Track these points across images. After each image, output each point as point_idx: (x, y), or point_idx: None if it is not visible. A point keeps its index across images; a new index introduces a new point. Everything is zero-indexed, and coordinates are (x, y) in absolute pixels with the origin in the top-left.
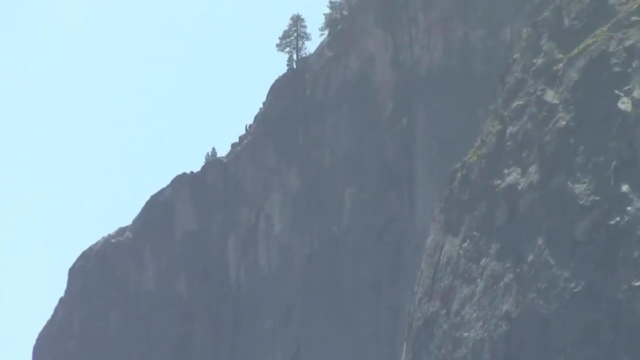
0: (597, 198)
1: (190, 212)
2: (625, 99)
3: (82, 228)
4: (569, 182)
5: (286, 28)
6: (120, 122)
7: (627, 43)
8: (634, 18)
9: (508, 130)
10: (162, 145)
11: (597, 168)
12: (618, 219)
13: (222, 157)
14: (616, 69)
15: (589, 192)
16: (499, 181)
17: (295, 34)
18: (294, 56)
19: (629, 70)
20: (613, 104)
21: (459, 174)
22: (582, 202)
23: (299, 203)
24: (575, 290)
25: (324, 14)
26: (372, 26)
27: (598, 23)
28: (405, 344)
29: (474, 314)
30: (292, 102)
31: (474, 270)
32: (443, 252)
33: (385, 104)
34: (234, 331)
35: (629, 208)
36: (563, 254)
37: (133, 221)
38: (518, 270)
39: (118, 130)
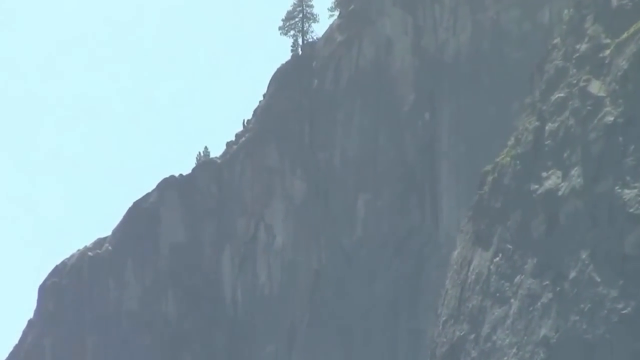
0: None
1: (178, 222)
2: None
3: (54, 239)
4: (617, 187)
5: (290, 8)
6: (98, 118)
7: None
8: None
9: (547, 127)
10: (147, 144)
11: None
12: None
13: (215, 157)
14: None
15: None
16: (536, 186)
17: (300, 15)
18: (299, 41)
19: None
20: None
21: (490, 178)
22: (632, 210)
23: (304, 211)
24: (624, 312)
25: None
26: (389, 5)
27: None
28: None
29: (507, 340)
30: (296, 94)
31: (507, 288)
32: (471, 267)
33: (404, 96)
34: (230, 358)
35: None
36: (610, 270)
37: (113, 231)
38: (558, 289)
39: (95, 128)
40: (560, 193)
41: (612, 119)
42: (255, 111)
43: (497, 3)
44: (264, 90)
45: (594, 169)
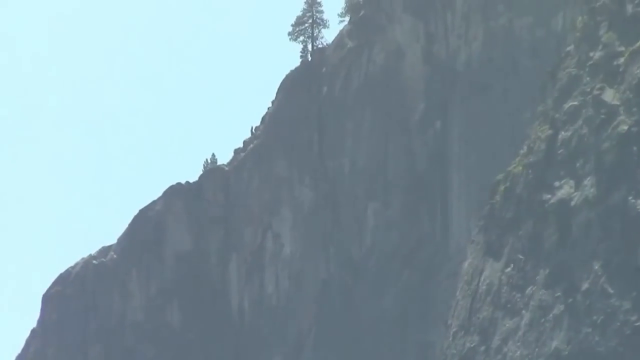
0: None
1: (184, 230)
2: None
3: (58, 247)
4: (630, 197)
5: (300, 13)
6: (103, 124)
7: None
8: None
9: (560, 136)
10: (153, 150)
11: None
12: None
13: (222, 165)
14: None
15: None
16: (549, 196)
17: (310, 21)
18: (309, 46)
19: None
20: None
21: (502, 187)
22: None
23: (312, 220)
24: (637, 324)
25: None
26: (400, 12)
27: None
28: None
29: (518, 352)
30: (305, 101)
31: (519, 300)
32: (482, 278)
33: (415, 104)
34: None
35: None
36: (623, 282)
37: (118, 240)
38: (570, 300)
39: (100, 133)
40: (572, 203)
41: (626, 127)
42: (263, 118)
43: (510, 10)
44: (273, 96)
45: (607, 178)
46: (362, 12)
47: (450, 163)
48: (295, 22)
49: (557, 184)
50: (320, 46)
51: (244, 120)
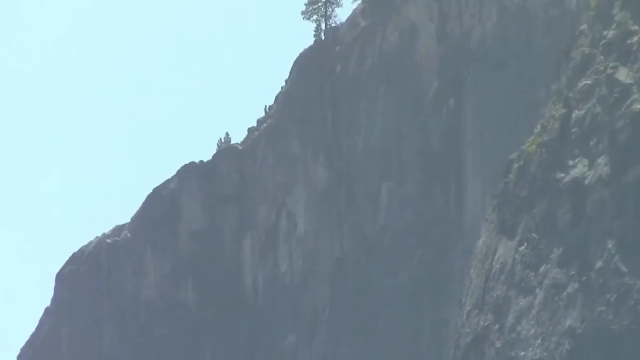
0: None
1: (199, 209)
2: None
3: (72, 226)
4: None
5: None
6: (117, 104)
7: None
8: None
9: (574, 115)
10: (167, 130)
11: None
12: None
13: (237, 144)
14: None
15: None
16: (563, 175)
17: (324, 0)
18: (323, 26)
19: None
20: None
21: (516, 166)
22: None
23: (327, 199)
24: None
25: None
26: None
27: None
28: None
29: (532, 330)
30: (319, 80)
31: (533, 278)
32: (496, 257)
33: (429, 83)
34: (250, 349)
35: None
36: (637, 260)
37: (132, 219)
38: (584, 279)
39: (114, 113)
40: (587, 182)
41: (639, 106)
42: (277, 97)
43: None
44: (287, 75)
45: (621, 157)
46: None
47: (465, 142)
48: (308, 2)
49: (571, 162)
50: (334, 25)
51: (258, 99)
